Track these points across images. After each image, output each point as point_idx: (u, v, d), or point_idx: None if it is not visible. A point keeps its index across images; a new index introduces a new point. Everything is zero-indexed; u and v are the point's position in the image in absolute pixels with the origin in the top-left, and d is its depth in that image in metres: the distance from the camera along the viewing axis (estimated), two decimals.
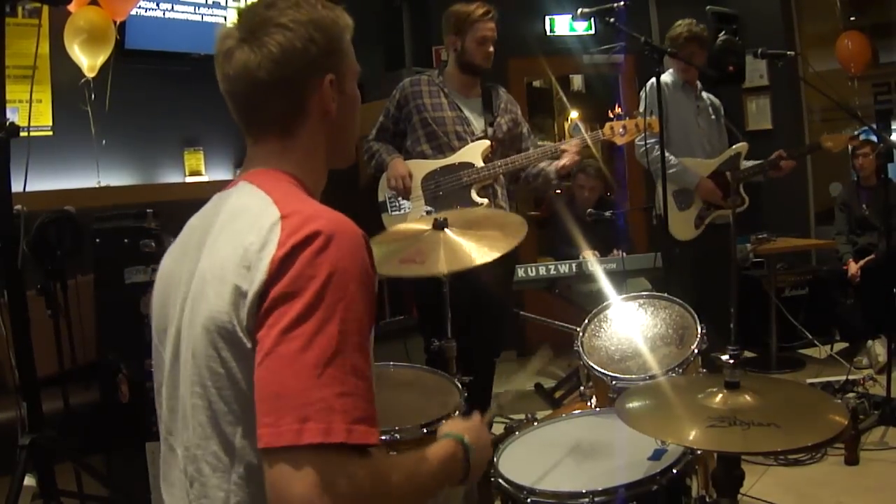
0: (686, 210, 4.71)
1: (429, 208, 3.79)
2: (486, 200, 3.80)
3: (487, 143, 3.82)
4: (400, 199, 3.86)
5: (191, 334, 1.31)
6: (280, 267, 1.20)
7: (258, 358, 1.18)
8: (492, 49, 3.84)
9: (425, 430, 2.27)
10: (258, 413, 1.17)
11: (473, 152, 3.81)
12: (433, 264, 2.69)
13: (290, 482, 1.12)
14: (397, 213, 3.88)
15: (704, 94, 4.94)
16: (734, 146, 4.87)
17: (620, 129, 3.85)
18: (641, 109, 4.65)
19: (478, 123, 3.89)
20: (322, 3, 1.46)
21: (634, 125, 3.87)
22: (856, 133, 6.36)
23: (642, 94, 4.74)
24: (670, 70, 4.89)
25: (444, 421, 1.97)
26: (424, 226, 2.86)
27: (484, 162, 3.80)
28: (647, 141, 4.16)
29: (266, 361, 1.17)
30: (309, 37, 1.39)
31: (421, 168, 3.83)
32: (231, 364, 1.25)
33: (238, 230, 1.29)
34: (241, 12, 1.45)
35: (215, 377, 1.27)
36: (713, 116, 4.93)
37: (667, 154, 3.95)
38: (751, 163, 4.90)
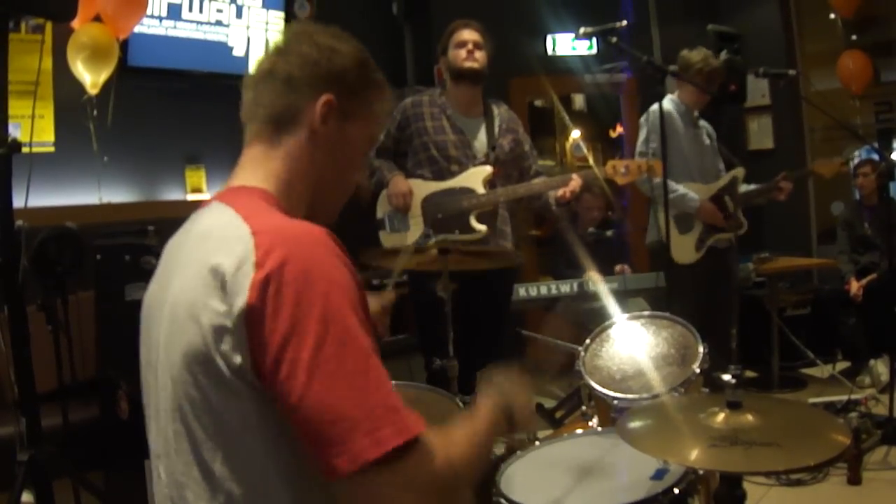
0: (687, 234, 4.71)
1: (428, 230, 3.78)
2: (484, 227, 3.78)
3: (490, 169, 3.81)
4: (398, 218, 3.85)
5: (168, 360, 1.30)
6: (264, 291, 1.18)
7: (294, 397, 1.16)
8: (472, 49, 3.83)
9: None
10: (317, 449, 1.16)
11: (475, 178, 3.80)
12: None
13: (392, 495, 1.15)
14: (396, 231, 3.87)
15: (701, 122, 4.95)
16: (732, 171, 4.88)
17: (623, 169, 3.86)
18: (643, 137, 4.68)
19: (480, 145, 3.88)
20: (360, 48, 1.54)
21: (637, 167, 3.88)
22: (853, 156, 6.36)
23: (642, 120, 4.75)
24: (670, 97, 4.89)
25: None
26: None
27: (485, 188, 3.80)
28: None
29: (306, 398, 1.15)
30: (327, 57, 1.47)
31: (422, 189, 3.82)
32: (207, 390, 1.23)
33: (206, 252, 1.28)
34: (291, 27, 1.58)
35: (192, 403, 1.25)
36: (707, 142, 4.94)
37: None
38: (750, 186, 4.92)
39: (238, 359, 1.20)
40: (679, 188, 4.61)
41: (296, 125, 1.46)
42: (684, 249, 4.68)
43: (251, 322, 1.19)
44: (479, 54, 3.83)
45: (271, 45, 1.53)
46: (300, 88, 1.45)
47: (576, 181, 3.80)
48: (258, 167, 1.46)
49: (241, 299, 1.19)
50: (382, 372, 1.20)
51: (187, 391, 1.25)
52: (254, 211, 1.33)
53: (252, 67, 1.51)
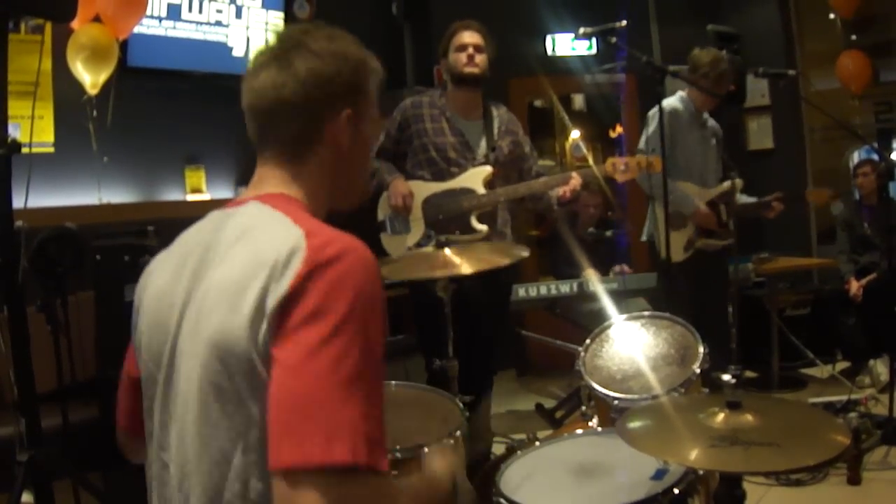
0: (677, 232, 4.71)
1: (429, 232, 3.78)
2: (485, 227, 3.78)
3: (489, 169, 3.80)
4: (399, 220, 3.85)
5: (193, 350, 1.30)
6: (304, 283, 1.20)
7: (281, 375, 1.18)
8: (472, 52, 3.81)
9: (426, 450, 2.26)
10: (277, 430, 1.16)
11: (475, 178, 3.80)
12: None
13: (310, 501, 1.13)
14: (397, 234, 3.87)
15: (709, 122, 4.94)
16: (731, 181, 4.86)
17: (622, 166, 3.85)
18: (650, 132, 4.67)
19: (479, 147, 3.87)
20: (355, 42, 1.52)
21: (636, 164, 3.87)
22: (862, 158, 6.37)
23: (648, 117, 4.74)
24: (681, 95, 4.88)
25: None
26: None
27: (485, 188, 3.80)
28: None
29: (290, 380, 1.17)
30: (336, 68, 1.45)
31: (422, 190, 3.82)
32: (238, 381, 1.24)
33: (256, 246, 1.29)
34: (277, 34, 1.52)
35: (219, 393, 1.26)
36: (714, 143, 4.93)
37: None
38: (746, 198, 4.92)
39: (268, 350, 1.21)
40: (678, 189, 4.61)
41: (318, 143, 1.47)
42: (672, 247, 4.68)
43: (285, 308, 1.20)
44: (479, 58, 3.82)
45: (270, 60, 1.46)
46: (320, 110, 1.45)
47: (576, 179, 3.80)
48: (284, 182, 1.46)
49: (282, 290, 1.21)
50: (370, 398, 1.18)
51: (214, 380, 1.26)
52: (302, 217, 1.34)
53: (255, 83, 1.46)
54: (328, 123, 1.46)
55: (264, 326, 1.21)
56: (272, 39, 1.51)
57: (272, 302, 1.21)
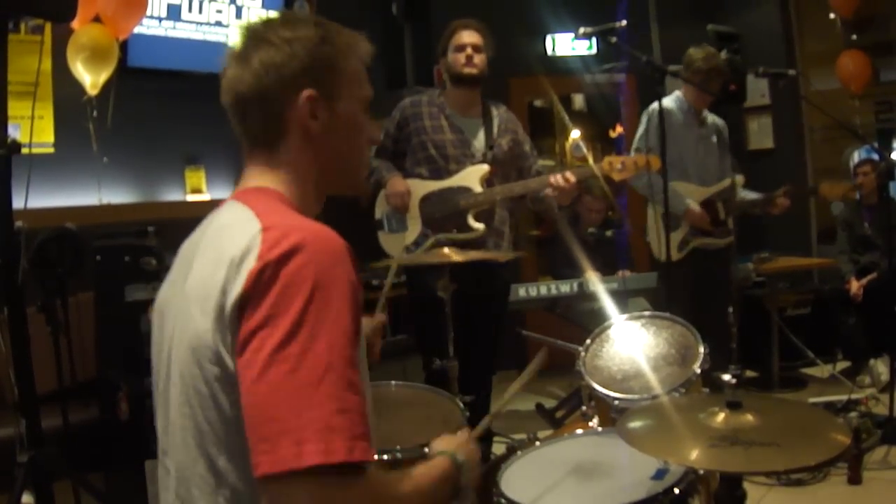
0: (672, 232, 4.70)
1: (426, 230, 3.78)
2: (482, 226, 3.77)
3: (486, 168, 3.80)
4: (396, 218, 3.85)
5: (178, 355, 1.31)
6: (258, 280, 1.19)
7: (245, 385, 1.17)
8: (471, 53, 3.80)
9: (426, 450, 2.26)
10: (252, 441, 1.16)
11: (472, 177, 3.79)
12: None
13: None
14: (394, 232, 3.87)
15: (709, 119, 4.92)
16: (730, 177, 4.85)
17: (619, 165, 3.82)
18: (640, 133, 4.68)
19: (478, 145, 3.87)
20: (320, 22, 1.47)
21: (633, 163, 3.84)
22: (862, 157, 6.37)
23: (643, 118, 4.73)
24: (676, 94, 4.87)
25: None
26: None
27: (482, 187, 3.79)
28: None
29: (255, 388, 1.16)
30: (291, 52, 1.41)
31: (419, 188, 3.82)
32: (214, 385, 1.24)
33: (219, 246, 1.29)
34: (245, 29, 1.47)
35: (200, 398, 1.26)
36: (715, 140, 4.90)
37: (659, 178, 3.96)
38: (750, 193, 4.91)
39: (234, 353, 1.21)
40: (670, 188, 4.60)
41: (287, 133, 1.44)
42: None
43: (242, 308, 1.20)
44: (477, 59, 3.81)
45: (233, 58, 1.44)
46: (276, 98, 1.42)
47: (570, 174, 3.76)
48: (266, 176, 1.45)
49: (238, 287, 1.20)
50: (340, 390, 1.16)
51: (195, 385, 1.26)
52: (268, 209, 1.33)
53: (223, 82, 1.45)
54: (288, 110, 1.42)
55: (227, 330, 1.21)
56: (240, 35, 1.47)
57: (230, 303, 1.21)
